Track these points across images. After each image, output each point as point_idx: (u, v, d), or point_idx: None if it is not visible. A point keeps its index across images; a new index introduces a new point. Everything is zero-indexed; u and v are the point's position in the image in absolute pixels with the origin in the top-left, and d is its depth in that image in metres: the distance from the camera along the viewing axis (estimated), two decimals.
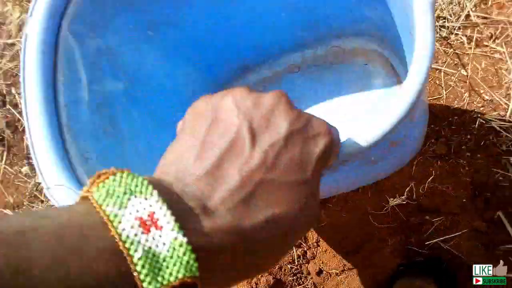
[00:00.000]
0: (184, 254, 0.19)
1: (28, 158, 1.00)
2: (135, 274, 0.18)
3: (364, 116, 0.65)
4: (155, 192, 0.20)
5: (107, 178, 0.20)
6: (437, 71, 0.75)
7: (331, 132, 0.27)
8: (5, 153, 1.03)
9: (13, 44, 1.02)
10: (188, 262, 0.19)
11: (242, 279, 0.24)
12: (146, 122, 0.59)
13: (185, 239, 0.19)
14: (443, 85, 0.74)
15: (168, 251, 0.19)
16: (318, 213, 0.26)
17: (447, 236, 0.68)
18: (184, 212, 0.20)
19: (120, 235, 0.18)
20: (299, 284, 0.74)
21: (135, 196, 0.20)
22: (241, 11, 0.60)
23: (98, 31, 0.52)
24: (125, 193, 0.20)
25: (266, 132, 0.24)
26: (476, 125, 0.70)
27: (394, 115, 0.33)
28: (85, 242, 0.18)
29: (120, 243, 0.18)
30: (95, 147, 0.48)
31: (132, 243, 0.18)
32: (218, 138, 0.24)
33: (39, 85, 0.45)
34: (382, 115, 0.34)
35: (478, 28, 0.75)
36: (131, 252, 0.18)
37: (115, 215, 0.19)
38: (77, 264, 0.17)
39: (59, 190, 0.41)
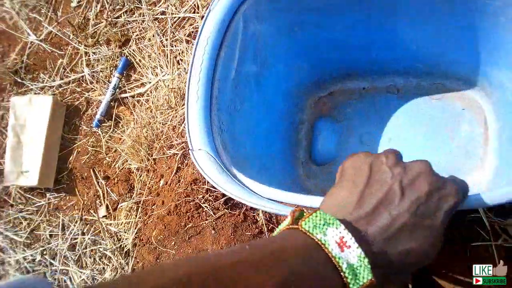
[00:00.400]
0: (368, 263, 0.29)
1: None
2: (344, 279, 0.29)
3: (441, 156, 0.72)
4: (340, 224, 0.30)
5: (310, 215, 0.31)
6: None
7: (458, 194, 0.35)
8: None
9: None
10: (370, 269, 0.29)
11: None
12: (259, 104, 0.69)
13: (363, 254, 0.29)
14: None
15: (357, 262, 0.29)
16: (439, 247, 0.34)
17: None
18: (359, 239, 0.31)
19: (331, 253, 0.29)
20: None
21: (329, 226, 0.30)
22: (379, 33, 0.68)
23: (261, 19, 0.62)
24: (324, 224, 0.30)
25: (412, 190, 0.33)
26: None
27: None
28: (310, 257, 0.29)
29: (334, 259, 0.29)
30: (227, 121, 0.58)
31: (339, 258, 0.29)
32: (375, 191, 0.34)
33: (206, 58, 0.55)
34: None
35: None
36: (340, 264, 0.29)
37: (325, 241, 0.30)
38: (308, 270, 0.29)
39: (201, 153, 0.51)
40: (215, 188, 0.85)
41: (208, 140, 0.53)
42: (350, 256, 0.29)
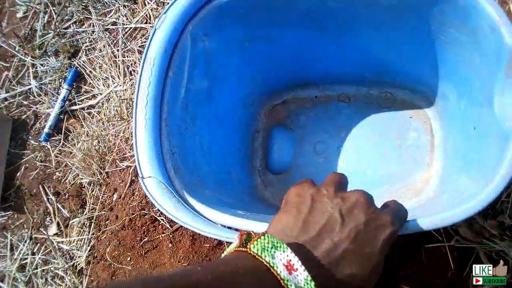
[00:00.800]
0: (314, 286, 0.30)
1: None
2: None
3: (390, 164, 0.74)
4: (287, 247, 0.32)
5: (259, 238, 0.32)
6: None
7: (394, 224, 0.37)
8: None
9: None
10: None
11: None
12: (211, 119, 0.68)
13: (310, 277, 0.30)
14: None
15: (305, 285, 0.30)
16: (379, 274, 0.36)
17: None
18: (305, 262, 0.31)
19: (279, 275, 0.30)
20: None
21: (277, 250, 0.31)
22: (330, 46, 0.69)
23: (210, 36, 0.61)
24: (272, 247, 0.31)
25: (351, 218, 0.35)
26: None
27: (456, 214, 0.43)
28: (260, 280, 0.30)
29: (282, 282, 0.30)
30: (178, 142, 0.57)
31: (288, 281, 0.30)
32: (318, 218, 0.36)
33: (153, 79, 0.53)
34: (445, 211, 0.43)
35: None
36: (288, 286, 0.30)
37: (273, 263, 0.30)
38: None
39: (151, 181, 0.50)
40: None
41: (159, 166, 0.51)
42: (298, 279, 0.30)
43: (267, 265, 0.30)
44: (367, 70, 0.74)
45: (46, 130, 1.00)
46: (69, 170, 0.97)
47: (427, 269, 0.73)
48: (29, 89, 1.08)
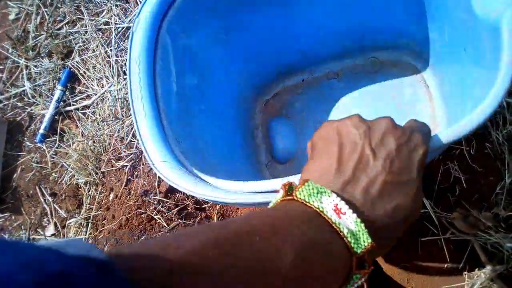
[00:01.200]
0: (365, 227, 0.30)
1: None
2: (348, 243, 0.29)
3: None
4: (332, 192, 0.31)
5: (303, 185, 0.32)
6: None
7: (425, 142, 0.36)
8: None
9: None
10: (367, 232, 0.30)
11: (384, 251, 0.35)
12: (210, 116, 0.68)
13: (359, 219, 0.30)
14: None
15: (355, 227, 0.30)
16: (422, 201, 0.35)
17: None
18: (350, 204, 0.31)
19: (330, 219, 0.30)
20: None
21: (322, 195, 0.31)
22: (300, 20, 0.69)
23: (187, 32, 0.62)
24: (317, 193, 0.31)
25: (381, 148, 0.34)
26: None
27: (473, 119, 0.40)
28: (316, 228, 0.29)
29: (334, 225, 0.30)
30: (183, 133, 0.57)
31: (339, 224, 0.30)
32: (348, 155, 0.34)
33: (143, 75, 0.54)
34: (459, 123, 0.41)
35: None
36: (341, 229, 0.30)
37: (322, 208, 0.30)
38: (315, 234, 0.29)
39: (164, 165, 0.49)
40: (167, 199, 0.84)
41: (167, 150, 0.50)
42: (348, 222, 0.30)
43: (317, 209, 0.30)
44: (346, 38, 0.74)
45: (41, 131, 1.00)
46: (65, 171, 0.97)
47: (423, 262, 0.73)
48: (23, 91, 1.08)
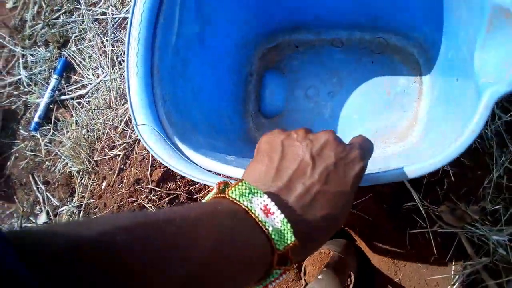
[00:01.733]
0: (291, 227, 0.31)
1: None
2: (272, 241, 0.31)
3: (378, 110, 0.75)
4: (264, 193, 0.33)
5: (236, 185, 0.33)
6: None
7: (363, 159, 0.39)
8: None
9: None
10: (292, 232, 0.31)
11: (309, 253, 0.39)
12: (204, 65, 0.68)
13: (286, 219, 0.32)
14: None
15: (281, 226, 0.32)
16: (348, 213, 0.38)
17: (355, 202, 0.76)
18: (281, 206, 0.33)
19: (257, 217, 0.31)
20: None
21: (254, 195, 0.32)
22: None
23: None
24: (249, 193, 0.32)
25: (321, 160, 0.37)
26: None
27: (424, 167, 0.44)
28: (238, 222, 0.31)
29: (260, 223, 0.31)
30: (169, 89, 0.57)
31: (265, 223, 0.31)
32: (289, 164, 0.37)
33: (143, 26, 0.54)
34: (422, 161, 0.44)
35: None
36: (267, 227, 0.31)
37: (251, 207, 0.32)
38: (239, 231, 0.30)
39: (145, 128, 0.51)
40: (159, 188, 0.84)
41: (151, 113, 0.52)
42: (275, 221, 0.32)
43: (246, 208, 0.32)
44: (361, 14, 0.74)
45: (35, 119, 1.01)
46: (59, 159, 0.97)
47: (411, 254, 0.74)
48: (19, 79, 1.08)
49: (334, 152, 0.37)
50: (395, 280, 0.74)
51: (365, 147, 0.41)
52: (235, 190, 0.33)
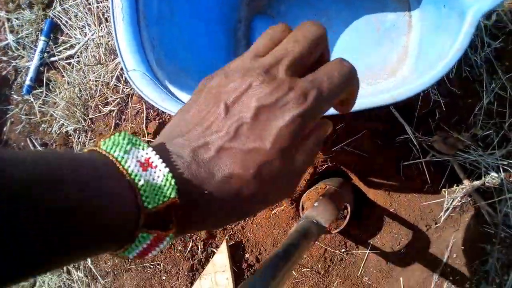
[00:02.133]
0: (174, 183, 0.26)
1: None
2: (138, 196, 0.25)
3: (368, 46, 0.75)
4: (149, 146, 0.27)
5: (113, 135, 0.27)
6: None
7: (305, 102, 0.28)
8: None
9: None
10: (176, 188, 0.26)
11: (215, 224, 0.30)
12: (191, 14, 0.67)
13: (171, 174, 0.26)
14: None
15: (162, 181, 0.26)
16: (272, 179, 0.29)
17: (349, 140, 0.77)
18: (168, 161, 0.27)
19: (126, 170, 0.25)
20: None
21: (135, 147, 0.26)
22: None
23: None
24: (128, 143, 0.26)
25: (236, 109, 0.29)
26: None
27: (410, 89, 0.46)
28: (100, 173, 0.25)
29: (127, 175, 0.25)
30: (157, 34, 0.57)
31: (136, 175, 0.25)
32: (197, 112, 0.30)
33: None
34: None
35: None
36: (136, 181, 0.25)
37: (122, 158, 0.26)
38: (96, 186, 0.24)
39: (136, 73, 0.51)
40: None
41: (141, 58, 0.52)
42: (155, 175, 0.26)
43: (113, 159, 0.26)
44: None
45: (27, 83, 1.01)
46: (54, 120, 0.98)
47: (405, 185, 0.76)
48: (7, 44, 1.07)
49: (257, 98, 0.28)
50: (391, 210, 0.76)
51: (324, 83, 0.29)
52: (108, 140, 0.27)
